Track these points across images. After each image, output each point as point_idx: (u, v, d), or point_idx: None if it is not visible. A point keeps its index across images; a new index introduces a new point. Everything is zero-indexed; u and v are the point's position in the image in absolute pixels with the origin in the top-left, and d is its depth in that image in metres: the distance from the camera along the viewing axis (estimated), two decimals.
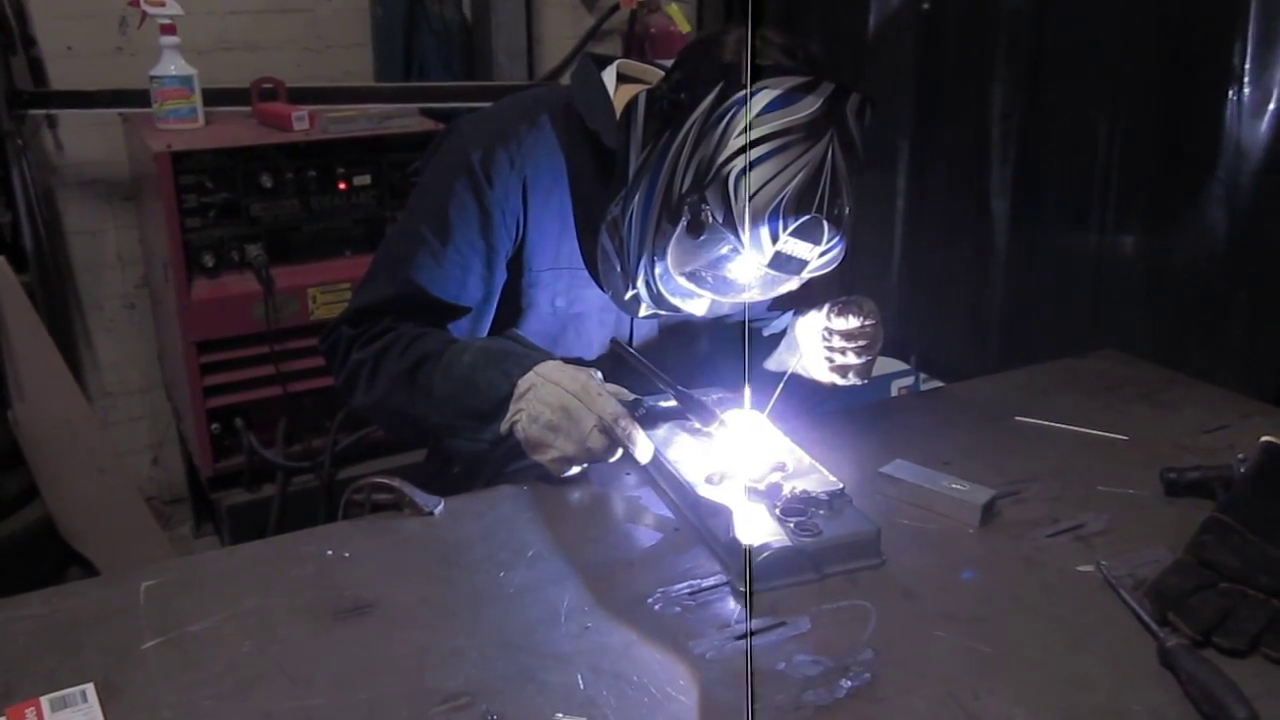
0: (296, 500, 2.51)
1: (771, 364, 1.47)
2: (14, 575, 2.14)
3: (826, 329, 1.36)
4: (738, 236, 1.16)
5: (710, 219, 1.17)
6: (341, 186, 2.49)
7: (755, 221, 1.14)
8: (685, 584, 1.07)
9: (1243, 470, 1.19)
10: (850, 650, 0.97)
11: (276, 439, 2.52)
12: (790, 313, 1.48)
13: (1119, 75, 2.03)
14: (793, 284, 1.25)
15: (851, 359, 1.35)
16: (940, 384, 2.58)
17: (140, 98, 2.55)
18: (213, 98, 2.59)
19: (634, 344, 1.47)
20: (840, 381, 1.38)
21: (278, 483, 2.51)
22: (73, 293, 2.91)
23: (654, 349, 1.47)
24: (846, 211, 1.18)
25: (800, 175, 1.13)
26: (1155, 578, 1.05)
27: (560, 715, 0.88)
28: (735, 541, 1.07)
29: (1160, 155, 1.98)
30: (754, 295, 1.27)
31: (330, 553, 1.12)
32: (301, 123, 2.46)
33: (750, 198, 1.13)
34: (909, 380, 2.84)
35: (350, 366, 1.35)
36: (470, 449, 1.37)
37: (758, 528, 1.09)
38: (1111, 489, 1.26)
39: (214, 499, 2.56)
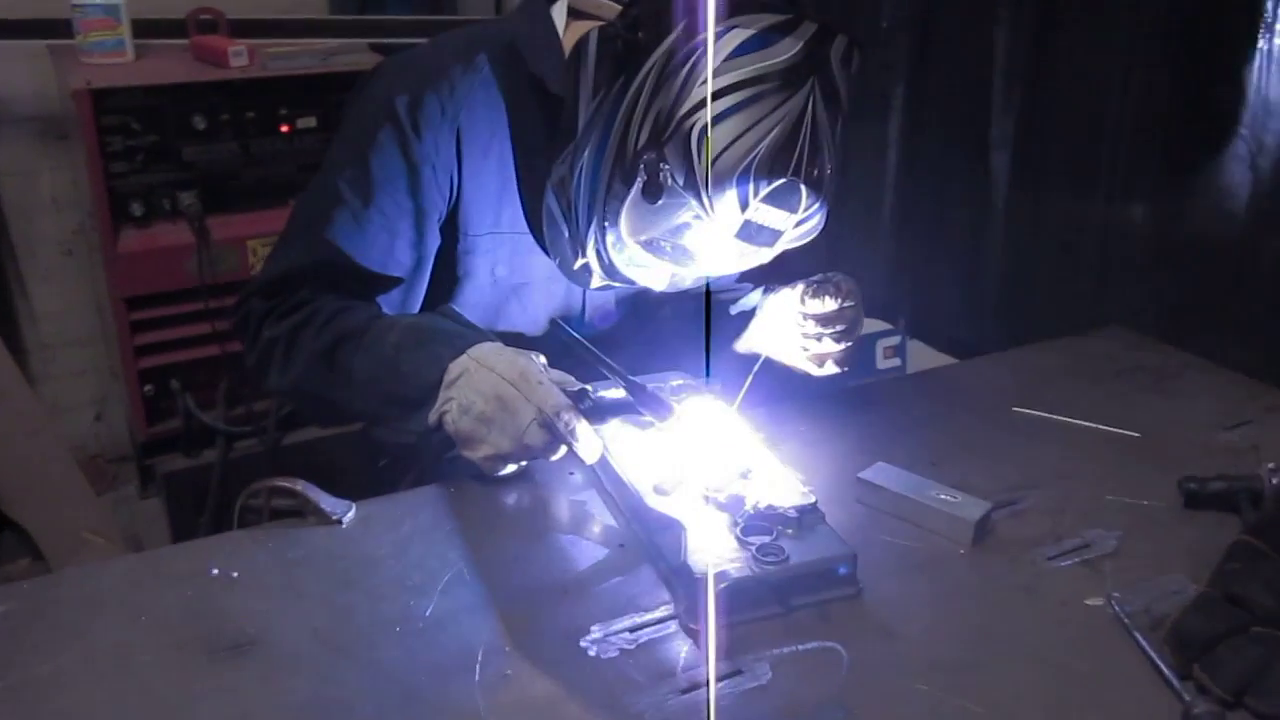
0: (239, 467, 2.35)
1: (741, 346, 1.31)
2: None
3: (801, 313, 1.19)
4: (701, 202, 1.00)
5: (669, 181, 1.02)
6: (284, 129, 2.28)
7: (721, 185, 0.99)
8: (626, 618, 0.91)
9: (1274, 481, 1.04)
10: (817, 709, 0.82)
11: (216, 401, 2.35)
12: (761, 288, 1.31)
13: (1135, 20, 1.86)
14: (765, 256, 1.09)
15: (829, 345, 1.19)
16: (927, 347, 2.43)
17: (65, 28, 2.32)
18: (145, 29, 2.37)
19: (585, 318, 1.31)
20: (816, 372, 1.22)
21: (218, 448, 2.35)
22: (4, 239, 2.71)
23: (608, 326, 1.31)
24: (828, 174, 1.02)
25: (775, 131, 0.98)
26: (1175, 618, 0.89)
27: None
28: (686, 567, 0.92)
29: (1178, 109, 1.81)
30: (720, 269, 1.11)
31: (216, 571, 0.96)
32: (239, 58, 2.24)
33: (716, 157, 0.98)
34: (895, 340, 2.69)
35: (262, 345, 1.19)
36: (396, 440, 1.22)
37: (714, 549, 0.93)
38: (1122, 498, 1.11)
39: (149, 465, 2.39)
